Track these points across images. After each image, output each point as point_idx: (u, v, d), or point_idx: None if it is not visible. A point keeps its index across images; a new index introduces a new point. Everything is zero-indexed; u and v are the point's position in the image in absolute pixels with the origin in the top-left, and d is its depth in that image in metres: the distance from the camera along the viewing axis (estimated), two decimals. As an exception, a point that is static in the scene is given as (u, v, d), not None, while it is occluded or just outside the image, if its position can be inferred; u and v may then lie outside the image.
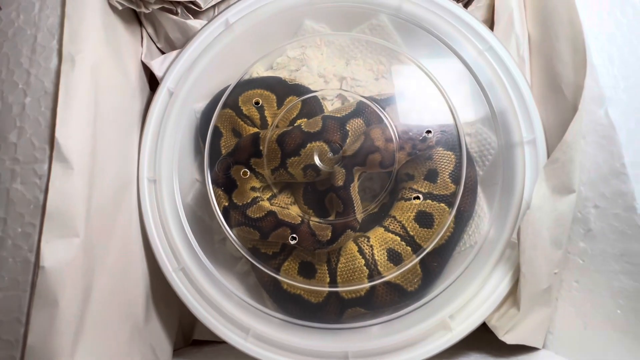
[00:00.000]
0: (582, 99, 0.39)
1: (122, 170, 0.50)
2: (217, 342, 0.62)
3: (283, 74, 0.64)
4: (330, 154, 0.51)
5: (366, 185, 0.59)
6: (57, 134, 0.36)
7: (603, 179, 0.39)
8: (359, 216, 0.51)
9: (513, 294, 0.46)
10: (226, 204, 0.51)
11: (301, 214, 0.54)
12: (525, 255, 0.43)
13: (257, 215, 0.50)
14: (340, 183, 0.50)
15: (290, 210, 0.56)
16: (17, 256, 0.34)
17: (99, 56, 0.42)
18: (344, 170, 0.50)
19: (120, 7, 0.47)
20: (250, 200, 0.51)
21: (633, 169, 0.36)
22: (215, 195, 0.51)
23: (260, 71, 0.64)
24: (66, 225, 0.35)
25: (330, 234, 0.50)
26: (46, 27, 0.39)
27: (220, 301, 0.50)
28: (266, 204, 0.53)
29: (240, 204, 0.51)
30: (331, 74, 0.63)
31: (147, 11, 0.49)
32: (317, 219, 0.52)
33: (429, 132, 0.49)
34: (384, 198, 0.60)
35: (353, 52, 0.64)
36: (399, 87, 0.59)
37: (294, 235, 0.49)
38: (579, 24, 0.41)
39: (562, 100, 0.44)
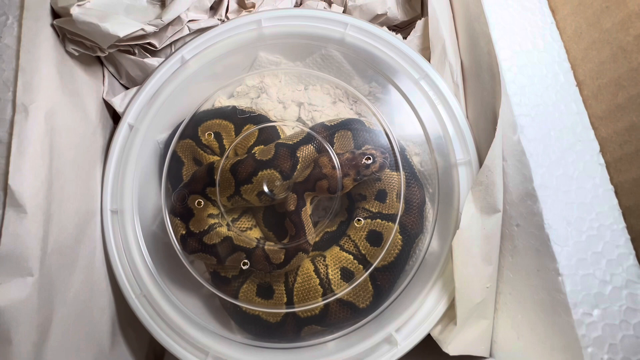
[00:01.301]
0: (498, 126, 0.43)
1: (84, 204, 0.52)
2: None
3: (245, 102, 0.68)
4: (280, 181, 0.54)
5: (326, 204, 0.62)
6: (10, 182, 0.39)
7: (521, 199, 0.42)
8: (311, 238, 0.54)
9: (453, 308, 0.49)
10: (183, 232, 0.54)
11: (257, 238, 0.57)
12: (457, 271, 0.46)
13: (214, 241, 0.53)
14: (292, 208, 0.53)
15: (249, 234, 0.59)
16: (-28, 298, 0.36)
17: (53, 103, 0.46)
18: (295, 196, 0.54)
19: (76, 54, 0.51)
20: (207, 227, 0.55)
21: (541, 191, 0.39)
22: (172, 225, 0.54)
23: (222, 100, 0.68)
24: (20, 266, 0.38)
25: (283, 257, 0.53)
26: (2, 80, 0.42)
27: (180, 324, 0.52)
28: (223, 229, 0.56)
29: (197, 231, 0.54)
30: (290, 99, 0.67)
31: (103, 55, 0.53)
32: (271, 243, 0.55)
33: (369, 158, 0.52)
34: (342, 215, 0.63)
35: (310, 78, 0.68)
36: (348, 115, 0.63)
37: (246, 260, 0.52)
38: (494, 56, 0.44)
39: (488, 124, 0.48)
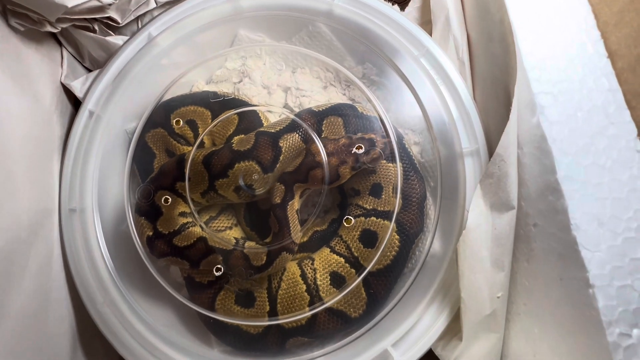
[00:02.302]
0: (512, 107, 0.36)
1: (38, 202, 0.46)
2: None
3: (225, 87, 0.61)
4: (259, 174, 0.47)
5: (316, 200, 0.55)
6: None
7: (540, 194, 0.35)
8: (296, 237, 0.47)
9: (458, 319, 0.42)
10: (150, 233, 0.47)
11: (237, 238, 0.51)
12: (464, 279, 0.39)
13: (185, 243, 0.47)
14: (277, 200, 0.47)
15: (227, 234, 0.52)
16: None
17: (-10, 83, 0.39)
18: (283, 187, 0.47)
19: (22, 29, 0.44)
20: (178, 227, 0.48)
21: (566, 185, 0.32)
22: (137, 225, 0.48)
23: (200, 85, 0.61)
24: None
25: (265, 258, 0.46)
26: None
27: (149, 339, 0.46)
28: (197, 229, 0.49)
29: (166, 232, 0.47)
30: (275, 84, 0.60)
31: (55, 30, 0.46)
32: (252, 243, 0.49)
33: (371, 144, 0.46)
34: (333, 213, 0.56)
35: (297, 60, 0.61)
36: (340, 100, 0.56)
37: (220, 265, 0.46)
38: (508, 23, 0.37)
39: (500, 107, 0.41)
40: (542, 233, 0.36)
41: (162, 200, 0.47)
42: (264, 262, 0.46)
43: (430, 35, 0.49)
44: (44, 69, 0.49)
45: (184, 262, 0.47)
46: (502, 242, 0.39)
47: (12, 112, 0.42)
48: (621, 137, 0.34)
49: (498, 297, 0.39)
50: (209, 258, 0.46)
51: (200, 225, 0.47)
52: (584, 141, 0.34)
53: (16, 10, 0.42)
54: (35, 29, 0.45)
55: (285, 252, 0.46)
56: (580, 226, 0.32)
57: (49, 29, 0.45)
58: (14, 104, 0.43)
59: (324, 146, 0.47)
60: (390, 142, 0.47)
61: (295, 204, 0.48)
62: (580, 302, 0.31)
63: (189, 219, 0.50)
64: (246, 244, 0.47)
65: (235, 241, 0.47)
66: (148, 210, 0.47)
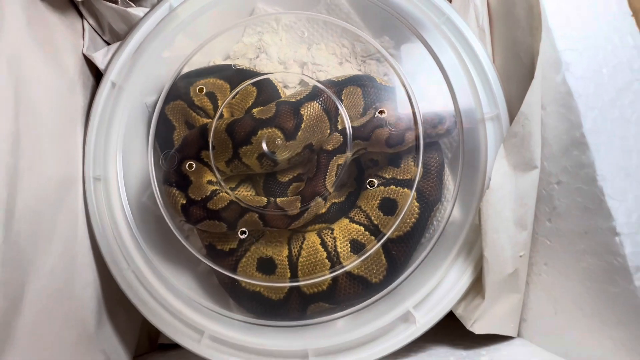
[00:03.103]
0: (537, 65, 0.36)
1: (64, 168, 0.47)
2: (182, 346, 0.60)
3: (242, 63, 0.61)
4: (282, 140, 0.48)
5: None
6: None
7: (565, 151, 0.36)
8: (330, 185, 0.47)
9: (479, 281, 0.43)
10: (183, 202, 0.47)
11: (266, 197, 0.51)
12: (487, 238, 0.40)
13: (220, 206, 0.47)
14: (329, 147, 0.47)
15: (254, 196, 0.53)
16: None
17: (19, 49, 0.39)
18: (341, 138, 0.47)
19: (47, -4, 0.44)
20: (209, 193, 0.48)
21: (592, 137, 0.33)
22: (169, 195, 0.48)
23: (217, 60, 0.61)
24: (-23, 227, 0.33)
25: (299, 204, 0.47)
26: (-45, 16, 0.37)
27: (172, 302, 0.47)
28: (227, 194, 0.50)
29: (199, 198, 0.47)
30: (292, 60, 0.60)
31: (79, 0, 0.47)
32: (287, 195, 0.49)
33: (441, 119, 0.45)
34: (350, 186, 0.57)
35: (314, 36, 0.61)
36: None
37: (263, 219, 0.46)
38: (533, -16, 0.37)
39: (523, 70, 0.41)
40: (566, 190, 0.36)
41: (188, 166, 0.48)
42: (298, 210, 0.46)
43: (450, 2, 0.49)
44: (67, 39, 0.49)
45: (221, 224, 0.47)
46: (525, 202, 0.39)
47: (40, 77, 0.43)
48: (646, 92, 0.34)
49: (520, 256, 0.40)
50: (245, 217, 0.47)
51: (227, 192, 0.48)
52: (609, 96, 0.34)
53: (43, -24, 0.43)
54: (61, -3, 0.45)
55: (318, 197, 0.47)
56: (606, 177, 0.32)
57: (74, -2, 0.46)
58: (42, 70, 0.43)
59: (395, 108, 0.46)
60: (456, 120, 0.46)
61: (344, 158, 0.48)
62: (605, 251, 0.32)
63: (217, 187, 0.51)
64: (277, 198, 0.47)
65: (266, 199, 0.48)
66: (177, 180, 0.47)
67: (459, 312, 0.44)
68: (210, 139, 0.48)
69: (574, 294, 0.36)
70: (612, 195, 0.32)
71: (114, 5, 0.51)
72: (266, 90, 0.55)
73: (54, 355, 0.41)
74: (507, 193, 0.39)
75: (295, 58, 0.60)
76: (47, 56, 0.44)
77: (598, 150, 0.33)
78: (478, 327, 0.42)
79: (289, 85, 0.59)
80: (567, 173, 0.36)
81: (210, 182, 0.49)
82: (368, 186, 0.50)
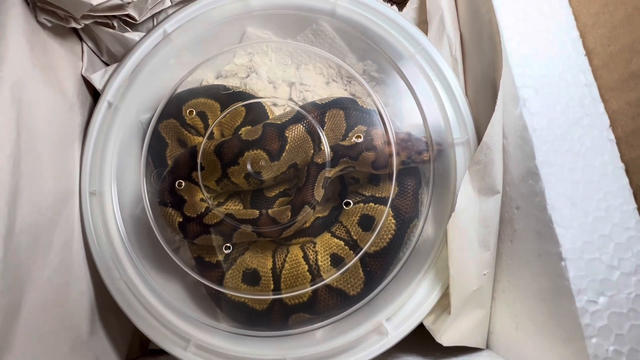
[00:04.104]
0: (498, 99, 0.39)
1: (61, 183, 0.50)
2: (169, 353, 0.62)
3: (233, 82, 0.64)
4: (266, 161, 0.51)
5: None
6: (-30, 155, 0.36)
7: (522, 179, 0.39)
8: (318, 196, 0.51)
9: (447, 296, 0.46)
10: (180, 220, 0.50)
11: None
12: (453, 257, 0.43)
13: (215, 220, 0.50)
14: (319, 161, 0.51)
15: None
16: None
17: (22, 74, 0.43)
18: (332, 153, 0.51)
19: (49, 25, 0.48)
20: (204, 210, 0.52)
21: (544, 169, 0.36)
22: (166, 215, 0.51)
23: (209, 80, 0.64)
24: (-20, 244, 0.36)
25: (289, 214, 0.50)
26: (-36, 48, 0.40)
27: (161, 312, 0.50)
28: (220, 209, 0.53)
29: (195, 215, 0.51)
30: (280, 79, 0.64)
31: (78, 26, 0.50)
32: (274, 207, 0.52)
33: (424, 146, 0.49)
34: (334, 201, 0.60)
35: (302, 57, 0.64)
36: (342, 94, 0.60)
37: (229, 244, 0.50)
38: (496, 24, 0.40)
39: (489, 101, 0.44)
40: (524, 214, 0.39)
41: (180, 186, 0.51)
42: (289, 218, 0.50)
43: (426, 34, 0.52)
44: (67, 62, 0.53)
45: (218, 237, 0.50)
46: (488, 224, 0.42)
47: (40, 100, 0.46)
48: (595, 127, 0.37)
49: (484, 275, 0.43)
50: (240, 230, 0.50)
51: (217, 211, 0.51)
52: (561, 130, 0.37)
53: (45, 7, 0.46)
54: (61, 24, 0.48)
55: (307, 206, 0.50)
56: (555, 206, 0.35)
57: (73, 25, 0.49)
58: (42, 93, 0.47)
59: (383, 134, 0.50)
60: (443, 149, 0.49)
61: (332, 172, 0.52)
62: (554, 273, 0.35)
63: (208, 203, 0.54)
64: (269, 210, 0.51)
65: (258, 211, 0.51)
66: (172, 200, 0.51)
67: (428, 325, 0.47)
68: (199, 160, 0.51)
69: (530, 311, 0.39)
70: (559, 223, 0.35)
71: (111, 30, 0.54)
72: (254, 110, 0.59)
73: (49, 359, 0.44)
74: (471, 216, 0.42)
75: (284, 78, 0.63)
76: (47, 80, 0.47)
77: (549, 180, 0.36)
78: (446, 340, 0.45)
79: (278, 104, 0.62)
80: (525, 199, 0.39)
81: (202, 200, 0.52)
82: (344, 206, 0.53)
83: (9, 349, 0.38)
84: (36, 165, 0.45)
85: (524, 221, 0.39)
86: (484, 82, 0.46)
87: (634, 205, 0.35)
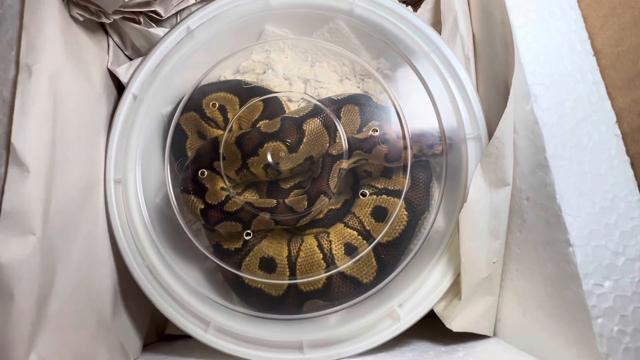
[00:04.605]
0: (510, 96, 0.42)
1: (88, 172, 0.52)
2: (188, 336, 0.64)
3: (250, 77, 0.67)
4: (285, 153, 0.53)
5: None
6: (13, 140, 0.38)
7: (532, 171, 0.41)
8: (332, 185, 0.53)
9: (458, 284, 0.48)
10: (202, 206, 0.53)
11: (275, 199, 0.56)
12: (464, 246, 0.45)
13: (235, 208, 0.52)
14: (333, 152, 0.53)
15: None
16: (-26, 253, 0.36)
17: (58, 65, 0.45)
18: (346, 146, 0.53)
19: (81, 19, 0.50)
20: (224, 198, 0.54)
21: (553, 161, 0.38)
22: (188, 202, 0.53)
23: (227, 75, 0.67)
24: (22, 224, 0.38)
25: (306, 203, 0.52)
26: (5, 39, 0.42)
27: (182, 295, 0.52)
28: (239, 198, 0.55)
29: (216, 203, 0.53)
30: (296, 76, 0.66)
31: (107, 21, 0.52)
32: (291, 196, 0.55)
33: (436, 140, 0.51)
34: (346, 194, 0.62)
35: (317, 55, 0.66)
36: (355, 91, 0.62)
37: (249, 231, 0.52)
38: (508, 25, 0.43)
39: (500, 97, 0.47)
40: (533, 205, 0.41)
41: (202, 175, 0.53)
42: (306, 207, 0.52)
43: (440, 34, 0.55)
44: (95, 56, 0.55)
45: (237, 224, 0.52)
46: (499, 214, 0.44)
47: (72, 91, 0.48)
48: (602, 123, 0.39)
49: (494, 263, 0.45)
50: (258, 217, 0.52)
51: (237, 198, 0.53)
52: (570, 126, 0.39)
53: (79, 2, 0.48)
54: (92, 19, 0.51)
55: (322, 196, 0.52)
56: (564, 196, 0.37)
57: (103, 20, 0.52)
58: (74, 84, 0.49)
59: (394, 129, 0.52)
60: (453, 144, 0.51)
61: (346, 164, 0.54)
62: (562, 260, 0.37)
63: (228, 192, 0.56)
64: (286, 199, 0.53)
65: (275, 200, 0.53)
66: (195, 188, 0.53)
67: (439, 311, 0.49)
68: (221, 151, 0.53)
69: (538, 297, 0.41)
70: (568, 211, 0.37)
71: (137, 25, 0.57)
72: (272, 105, 0.61)
73: (77, 339, 0.46)
74: (482, 206, 0.44)
75: (299, 75, 0.66)
76: (79, 72, 0.50)
77: (558, 172, 0.38)
78: (456, 325, 0.47)
79: (292, 99, 0.64)
80: (534, 190, 0.41)
81: (222, 189, 0.54)
82: (360, 196, 0.55)
83: (42, 326, 0.40)
84: (67, 153, 0.47)
85: (533, 211, 0.41)
86: (495, 80, 0.48)
87: (638, 196, 0.37)
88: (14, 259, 0.37)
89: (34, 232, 0.39)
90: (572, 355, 0.36)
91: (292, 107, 0.62)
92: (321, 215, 0.59)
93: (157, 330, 0.65)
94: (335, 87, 0.65)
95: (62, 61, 0.46)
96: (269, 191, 0.60)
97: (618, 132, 0.39)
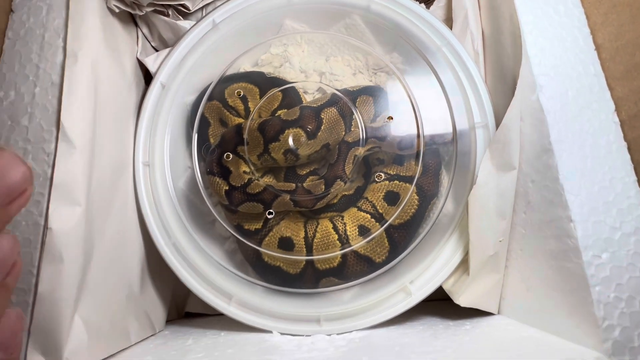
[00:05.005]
0: (517, 86, 0.45)
1: (119, 154, 0.56)
2: (207, 314, 0.68)
3: (268, 70, 0.70)
4: (305, 139, 0.57)
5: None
6: (62, 119, 0.42)
7: (537, 156, 0.44)
8: (348, 171, 0.57)
9: (465, 263, 0.51)
10: (226, 188, 0.56)
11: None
12: (473, 225, 0.48)
13: (257, 190, 0.56)
14: (349, 139, 0.57)
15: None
16: (29, 220, 0.40)
17: (98, 53, 0.49)
18: (360, 133, 0.56)
19: (117, 10, 0.53)
20: (246, 180, 0.58)
21: (557, 145, 0.41)
22: (213, 183, 0.57)
23: (246, 67, 0.70)
24: (70, 195, 0.41)
25: (323, 187, 0.56)
26: (53, 27, 0.45)
27: (206, 271, 0.55)
28: (260, 181, 0.59)
29: (239, 185, 0.57)
30: (312, 69, 0.69)
31: (140, 13, 0.55)
32: (309, 180, 0.58)
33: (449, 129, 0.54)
34: (359, 181, 0.66)
35: (332, 49, 0.70)
36: (367, 84, 0.65)
37: (294, 200, 0.55)
38: (516, 20, 0.46)
39: (507, 88, 0.50)
40: (537, 187, 0.45)
41: (227, 158, 0.57)
42: (323, 190, 0.56)
43: (451, 29, 0.58)
44: (127, 45, 0.59)
45: (259, 205, 0.56)
46: (505, 196, 0.48)
47: (108, 78, 0.52)
48: (602, 111, 0.43)
49: (500, 241, 0.49)
50: (278, 199, 0.56)
51: (259, 180, 0.57)
52: (572, 113, 0.43)
53: (116, -6, 0.52)
54: (127, 10, 0.54)
55: (338, 180, 0.56)
56: (567, 177, 0.41)
57: (136, 11, 0.55)
58: (110, 71, 0.52)
59: (407, 118, 0.55)
60: (460, 132, 0.54)
61: (361, 151, 0.57)
62: (564, 235, 0.40)
63: (250, 176, 0.60)
64: (304, 182, 0.56)
65: (294, 184, 0.57)
66: (219, 170, 0.57)
67: (448, 288, 0.52)
68: (245, 136, 0.57)
69: (541, 272, 0.45)
70: (570, 191, 0.40)
71: (166, 18, 0.60)
72: (290, 95, 0.64)
73: (112, 307, 0.49)
74: (490, 189, 0.48)
75: (315, 68, 0.69)
76: (114, 60, 0.53)
77: (561, 156, 0.41)
78: (463, 300, 0.50)
79: (308, 91, 0.68)
80: (539, 173, 0.44)
81: (245, 172, 0.58)
82: (376, 179, 0.58)
83: (84, 290, 0.44)
84: (104, 135, 0.50)
85: (538, 193, 0.45)
86: (502, 73, 0.52)
87: (634, 177, 0.41)
88: (64, 226, 0.40)
89: (80, 203, 0.42)
90: (572, 322, 0.40)
91: (308, 99, 0.66)
92: (335, 201, 0.62)
93: (177, 308, 0.69)
94: (349, 80, 0.69)
95: (101, 49, 0.49)
96: (286, 177, 0.63)
97: (616, 119, 0.43)
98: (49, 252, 0.39)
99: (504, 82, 0.51)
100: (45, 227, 0.39)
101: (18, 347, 0.25)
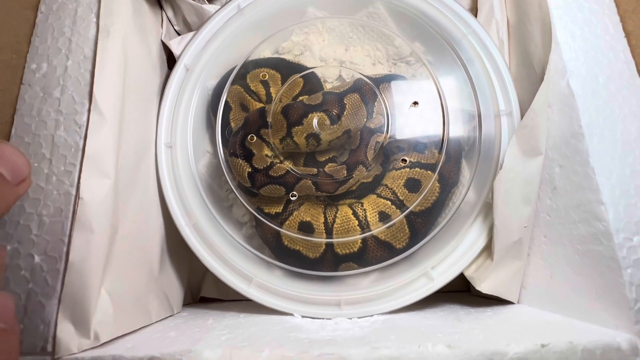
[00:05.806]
0: (547, 72, 0.45)
1: (143, 134, 0.56)
2: (222, 300, 0.68)
3: (288, 57, 0.71)
4: (328, 123, 0.57)
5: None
6: (95, 91, 0.42)
7: (565, 141, 0.44)
8: (369, 156, 0.57)
9: (487, 250, 0.51)
10: (249, 170, 0.56)
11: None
12: (498, 210, 0.48)
13: (280, 173, 0.56)
14: (372, 126, 0.57)
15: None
16: (61, 189, 0.40)
17: (128, 31, 0.49)
18: (382, 119, 0.57)
19: (145, -9, 0.54)
20: (269, 164, 0.58)
21: (588, 130, 0.42)
22: (236, 165, 0.57)
23: (267, 54, 0.70)
24: (101, 167, 0.42)
25: (345, 172, 0.56)
26: (85, 2, 0.46)
27: (227, 253, 0.55)
28: (283, 165, 0.59)
29: (262, 167, 0.57)
30: (332, 58, 0.70)
31: (168, -6, 0.56)
32: (331, 165, 0.58)
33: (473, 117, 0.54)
34: (376, 170, 0.66)
35: (352, 38, 0.70)
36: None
37: (316, 184, 0.55)
38: (546, 6, 0.46)
39: (533, 75, 0.50)
40: (565, 172, 0.45)
41: (251, 140, 0.57)
42: (345, 175, 0.56)
43: (476, 17, 0.58)
44: (152, 27, 0.59)
45: (281, 188, 0.56)
46: (531, 182, 0.48)
47: (136, 56, 0.52)
48: (632, 97, 0.43)
49: (525, 227, 0.49)
50: (300, 183, 0.56)
51: (283, 163, 0.57)
52: (603, 99, 0.43)
53: (146, -26, 0.52)
54: (155, -8, 0.55)
55: (360, 166, 0.56)
56: (597, 160, 0.41)
57: (165, -7, 0.56)
58: (138, 50, 0.53)
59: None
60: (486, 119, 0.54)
61: (381, 137, 0.58)
62: (594, 218, 0.40)
63: (272, 160, 0.60)
64: (326, 167, 0.56)
65: (316, 169, 0.57)
66: (243, 152, 0.56)
67: (469, 274, 0.52)
68: (269, 119, 0.57)
69: (567, 257, 0.45)
70: (600, 174, 0.40)
71: (192, 1, 0.61)
72: (311, 82, 0.65)
73: (134, 284, 0.49)
74: (516, 174, 0.48)
75: (335, 57, 0.69)
76: (142, 40, 0.54)
77: (592, 139, 0.41)
78: (485, 287, 0.50)
79: (327, 80, 0.68)
80: (567, 159, 0.44)
81: (267, 156, 0.58)
82: (397, 166, 0.58)
83: (110, 261, 0.44)
84: (130, 113, 0.51)
85: (565, 178, 0.45)
86: (528, 60, 0.52)
87: (664, 162, 0.41)
88: (95, 197, 0.40)
89: (109, 176, 0.42)
90: (600, 305, 0.40)
91: (328, 87, 0.66)
92: (354, 188, 0.62)
93: (192, 293, 0.69)
94: (368, 69, 0.69)
95: (131, 27, 0.50)
96: (305, 163, 0.63)
97: (647, 105, 0.43)
98: (80, 221, 0.39)
99: (530, 70, 0.51)
100: (77, 197, 0.39)
101: (12, 319, 0.25)
